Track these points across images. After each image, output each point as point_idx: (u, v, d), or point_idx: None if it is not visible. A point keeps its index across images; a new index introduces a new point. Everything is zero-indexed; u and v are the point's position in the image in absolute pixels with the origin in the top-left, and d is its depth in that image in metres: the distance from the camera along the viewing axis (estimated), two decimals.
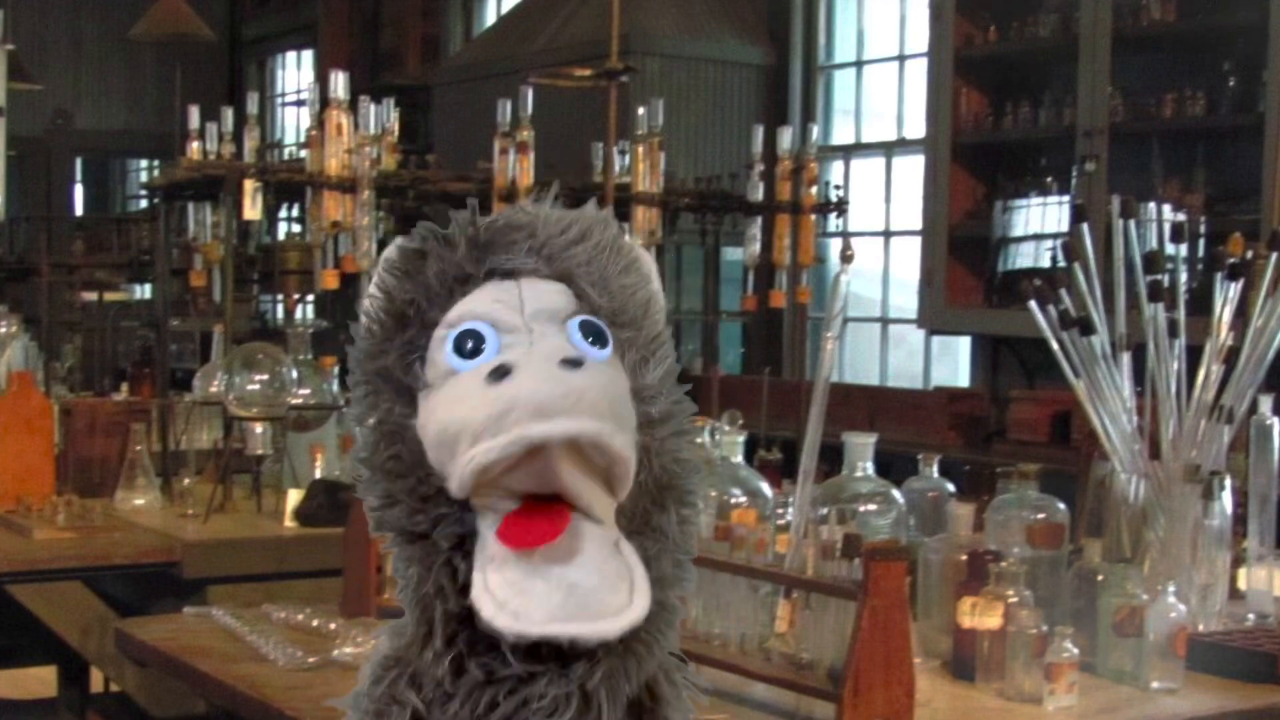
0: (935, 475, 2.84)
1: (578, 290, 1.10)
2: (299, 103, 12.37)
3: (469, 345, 1.07)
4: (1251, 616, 2.79)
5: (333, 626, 2.69)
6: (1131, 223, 2.80)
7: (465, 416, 1.02)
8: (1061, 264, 2.90)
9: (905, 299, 7.47)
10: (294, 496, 3.73)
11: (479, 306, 1.08)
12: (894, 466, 2.89)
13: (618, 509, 1.08)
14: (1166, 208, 5.29)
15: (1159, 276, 2.76)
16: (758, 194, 5.18)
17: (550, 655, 1.05)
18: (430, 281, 1.10)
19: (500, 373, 1.02)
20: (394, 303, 1.11)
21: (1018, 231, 6.38)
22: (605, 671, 1.05)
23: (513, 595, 1.03)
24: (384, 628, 1.14)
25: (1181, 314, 2.77)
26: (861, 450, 2.58)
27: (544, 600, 1.03)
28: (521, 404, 1.00)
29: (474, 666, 1.06)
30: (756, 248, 5.20)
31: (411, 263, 1.11)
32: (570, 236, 1.12)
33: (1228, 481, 2.73)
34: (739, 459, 2.60)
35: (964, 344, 7.23)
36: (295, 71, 13.30)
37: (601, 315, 1.09)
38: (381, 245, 5.00)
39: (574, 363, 1.02)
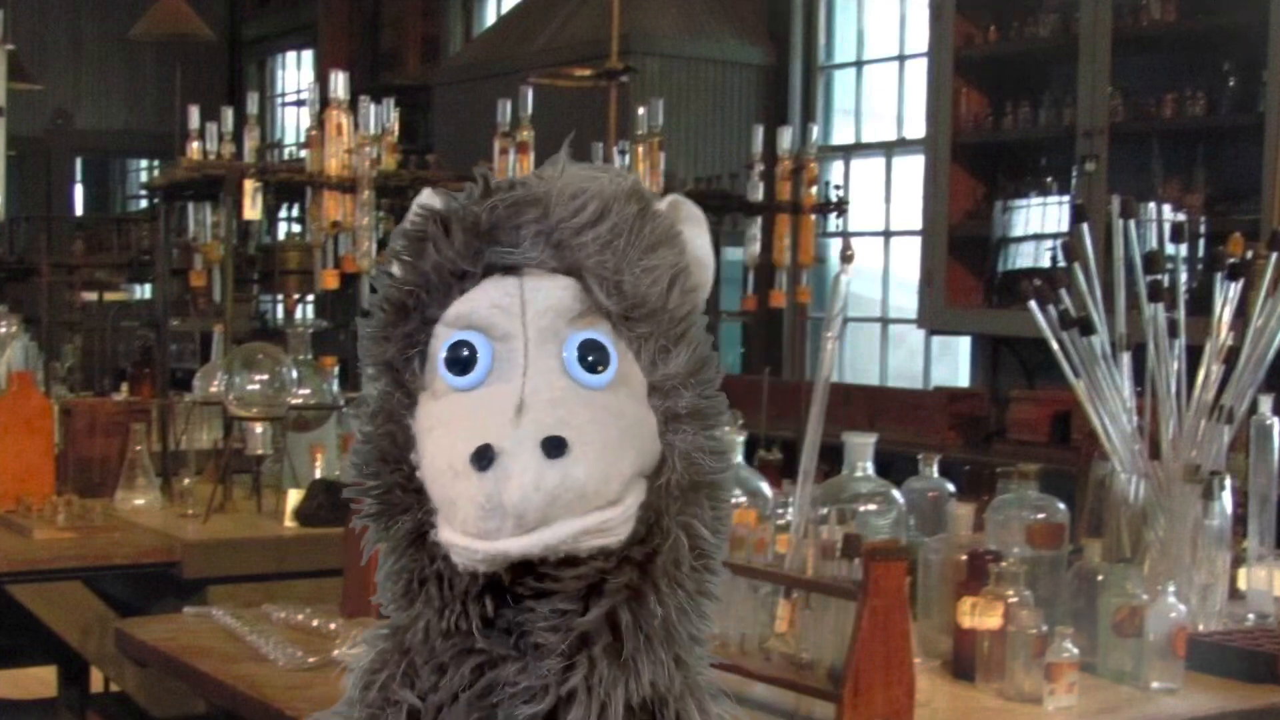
0: (935, 475, 2.84)
1: (586, 286, 1.04)
2: (299, 103, 12.38)
3: (464, 356, 1.04)
4: (1251, 616, 2.79)
5: (333, 626, 2.69)
6: (1131, 223, 2.80)
7: (451, 492, 1.01)
8: (1061, 264, 2.90)
9: (905, 299, 7.47)
10: (294, 496, 3.73)
11: (477, 310, 1.04)
12: (894, 466, 2.89)
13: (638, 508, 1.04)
14: (1166, 208, 5.29)
15: (1159, 276, 2.76)
16: (758, 194, 5.18)
17: (527, 648, 1.03)
18: (429, 273, 1.06)
19: (484, 459, 0.99)
20: (398, 290, 1.07)
21: (1018, 231, 6.38)
22: (584, 673, 1.02)
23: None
24: (364, 635, 1.12)
25: (1181, 314, 2.77)
26: (861, 450, 2.58)
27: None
28: (501, 515, 0.99)
29: (460, 636, 1.04)
30: (756, 248, 5.20)
31: (414, 248, 1.07)
32: (584, 219, 1.04)
33: (1228, 481, 2.73)
34: (739, 459, 2.59)
35: (964, 344, 7.23)
36: (295, 71, 13.31)
37: (612, 316, 1.04)
38: (381, 245, 5.00)
39: (557, 445, 0.99)
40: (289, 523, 3.70)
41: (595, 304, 1.04)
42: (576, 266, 1.04)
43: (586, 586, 1.02)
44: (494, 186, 1.07)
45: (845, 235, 5.74)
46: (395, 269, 1.07)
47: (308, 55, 12.83)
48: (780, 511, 2.54)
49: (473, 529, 1.00)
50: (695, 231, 1.09)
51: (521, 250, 1.04)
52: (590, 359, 1.03)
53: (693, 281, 1.07)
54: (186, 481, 3.94)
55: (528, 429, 0.99)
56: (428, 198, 1.08)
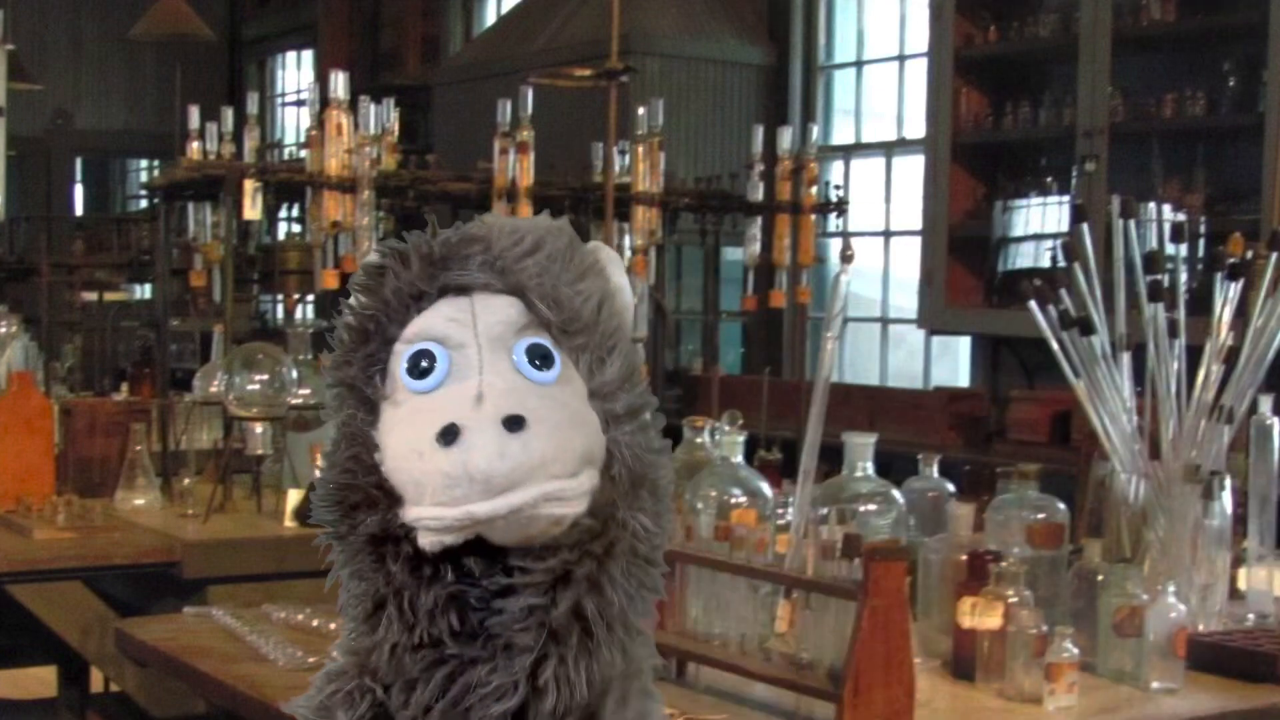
0: (935, 475, 2.84)
1: (529, 303, 1.15)
2: (299, 103, 12.38)
3: (423, 364, 1.13)
4: (1251, 616, 2.79)
5: (333, 626, 2.69)
6: (1131, 223, 2.80)
7: (417, 472, 1.09)
8: (1061, 264, 2.90)
9: (905, 299, 7.47)
10: (294, 496, 3.73)
11: (432, 325, 1.14)
12: (894, 466, 2.89)
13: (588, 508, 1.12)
14: (1166, 208, 5.29)
15: (1159, 276, 2.76)
16: (758, 194, 5.18)
17: (496, 648, 1.09)
18: (389, 297, 1.16)
19: (449, 435, 1.08)
20: (359, 316, 1.17)
21: (1018, 231, 6.38)
22: (553, 663, 1.09)
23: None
24: (335, 647, 1.18)
25: (1181, 314, 2.77)
26: (861, 450, 2.58)
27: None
28: (467, 481, 1.07)
29: (429, 648, 1.10)
30: (756, 248, 5.20)
31: (373, 279, 1.17)
32: (523, 248, 1.16)
33: (1228, 481, 2.73)
34: (739, 459, 2.59)
35: (964, 344, 7.23)
36: (295, 71, 13.31)
37: (552, 327, 1.15)
38: None
39: (516, 422, 1.08)
40: (289, 523, 3.70)
41: (537, 317, 1.15)
42: (519, 287, 1.15)
43: (553, 580, 1.10)
44: (439, 230, 1.20)
45: (845, 235, 5.74)
46: (355, 299, 1.18)
47: (308, 55, 12.83)
48: (780, 511, 2.54)
49: (441, 497, 1.08)
50: (615, 269, 1.21)
51: (470, 273, 1.16)
52: (537, 361, 1.14)
53: (617, 305, 1.19)
54: (186, 481, 3.94)
55: (488, 411, 1.10)
56: (371, 256, 1.20)
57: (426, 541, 1.10)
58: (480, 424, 1.09)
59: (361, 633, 1.15)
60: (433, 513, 1.09)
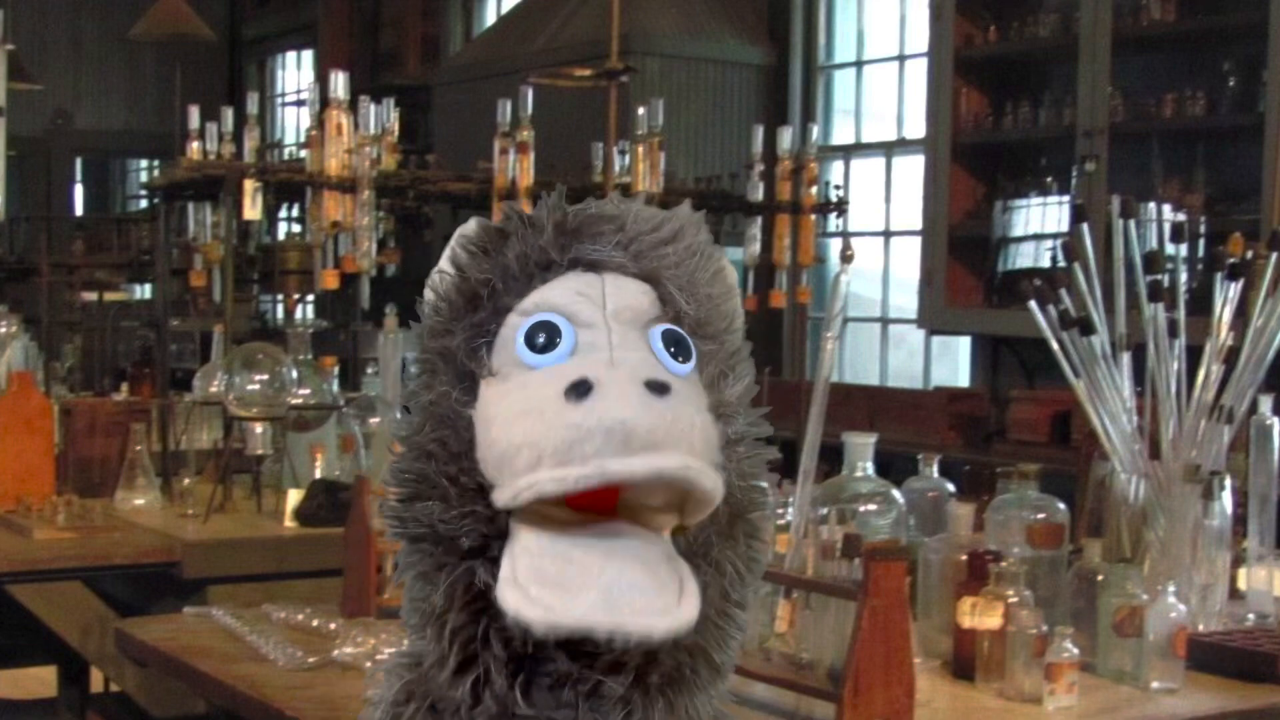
0: (935, 475, 2.83)
1: (664, 294, 1.03)
2: (299, 103, 12.38)
3: (542, 338, 0.99)
4: (1251, 616, 2.79)
5: (333, 626, 2.69)
6: (1131, 223, 2.80)
7: (537, 434, 0.93)
8: (1061, 264, 2.90)
9: (905, 299, 7.47)
10: (294, 496, 3.73)
11: (558, 297, 1.01)
12: (894, 466, 2.89)
13: (678, 533, 1.00)
14: (1166, 208, 5.29)
15: (1159, 276, 2.76)
16: (758, 194, 5.18)
17: (578, 695, 0.97)
18: (510, 263, 1.03)
19: (581, 389, 0.93)
20: (468, 281, 1.03)
21: (1018, 231, 6.38)
22: (639, 717, 0.98)
23: (545, 590, 0.93)
24: (389, 662, 1.08)
25: (1181, 314, 2.77)
26: (861, 450, 2.58)
27: (580, 596, 0.93)
28: (603, 433, 0.91)
29: (488, 697, 0.98)
30: (756, 248, 5.20)
31: (492, 241, 1.04)
32: (662, 235, 1.05)
33: (1228, 481, 2.73)
34: None
35: (964, 344, 7.23)
36: (295, 71, 13.30)
37: (685, 324, 1.03)
38: (381, 245, 5.01)
39: (660, 387, 0.94)
40: (289, 523, 3.70)
41: (673, 309, 1.02)
42: (655, 274, 1.03)
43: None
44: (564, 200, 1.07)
45: (845, 235, 5.74)
46: (468, 262, 1.04)
47: (308, 55, 12.83)
48: (780, 511, 2.54)
49: (563, 455, 0.92)
50: (736, 282, 1.11)
51: (605, 250, 1.03)
52: (672, 349, 1.01)
53: (742, 321, 1.09)
54: (186, 481, 3.94)
55: (625, 372, 0.95)
56: (475, 223, 1.07)
57: (532, 619, 0.93)
58: (618, 379, 0.94)
59: (425, 637, 1.03)
60: (550, 474, 0.92)
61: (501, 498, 0.96)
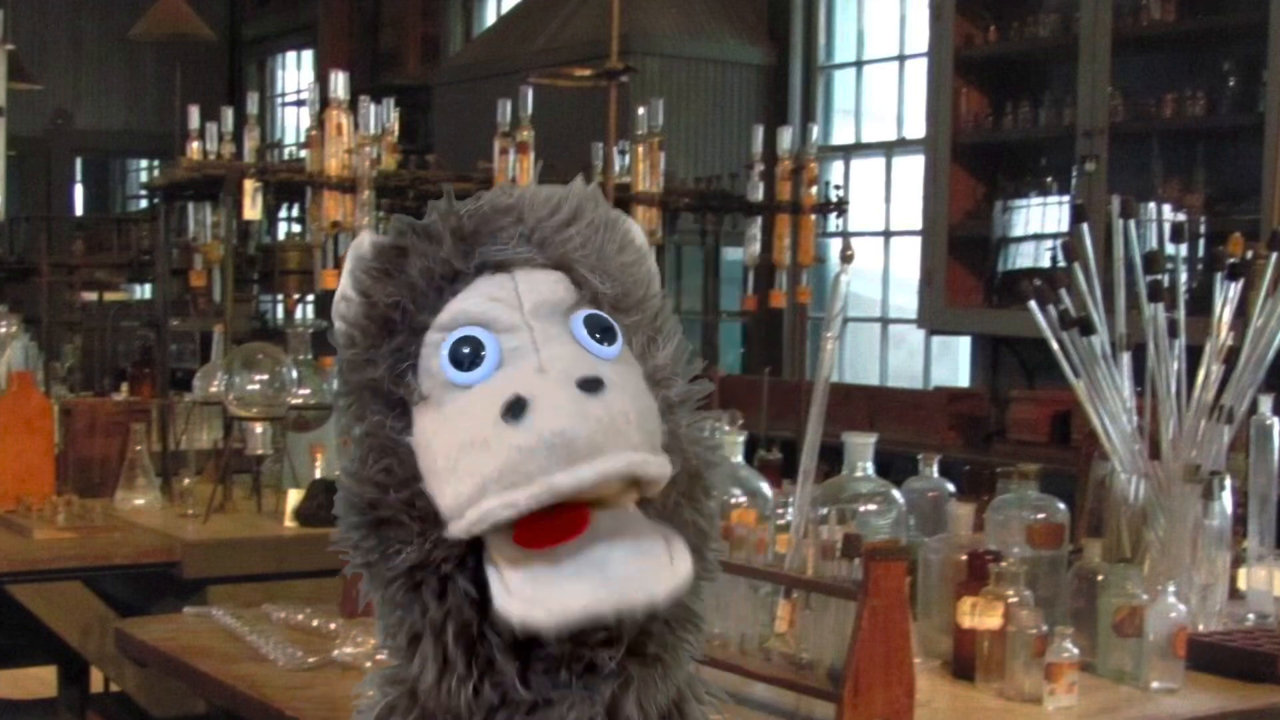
0: (935, 475, 2.83)
1: (577, 278, 1.01)
2: (299, 103, 12.38)
3: (466, 352, 0.97)
4: (1251, 616, 2.79)
5: (333, 626, 2.69)
6: (1131, 223, 2.80)
7: (480, 464, 0.93)
8: (1061, 264, 2.90)
9: (905, 299, 7.47)
10: (294, 496, 3.73)
11: (473, 306, 0.99)
12: (894, 466, 2.89)
13: (645, 504, 0.99)
14: (1166, 208, 5.29)
15: (1159, 276, 2.76)
16: (758, 194, 5.17)
17: (573, 674, 0.97)
18: (415, 280, 1.00)
19: (516, 409, 0.92)
20: (376, 307, 1.01)
21: (1018, 231, 6.38)
22: (637, 686, 0.98)
23: (541, 589, 0.93)
24: (372, 677, 1.08)
25: (1181, 314, 2.77)
26: (861, 450, 2.58)
27: (577, 584, 0.93)
28: (545, 449, 0.90)
29: (488, 688, 0.98)
30: (756, 248, 5.20)
31: (391, 260, 1.02)
32: (562, 217, 1.03)
33: (1228, 481, 2.73)
34: (739, 459, 2.60)
35: (964, 344, 7.23)
36: (295, 71, 13.31)
37: (604, 303, 1.01)
38: None
39: (593, 384, 0.93)
40: (289, 523, 3.70)
41: (589, 292, 1.01)
42: (564, 260, 1.02)
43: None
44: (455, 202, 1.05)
45: (845, 235, 5.74)
46: (370, 286, 1.02)
47: (308, 55, 12.83)
48: (780, 511, 2.54)
49: (509, 479, 0.91)
50: (645, 241, 1.09)
51: (508, 248, 1.01)
52: (598, 334, 1.00)
53: (658, 279, 1.07)
54: (186, 481, 3.94)
55: (556, 377, 0.94)
56: (369, 243, 1.04)
57: (540, 621, 0.93)
58: (550, 389, 0.93)
59: (407, 656, 1.01)
60: (498, 501, 0.91)
61: (456, 530, 0.95)
